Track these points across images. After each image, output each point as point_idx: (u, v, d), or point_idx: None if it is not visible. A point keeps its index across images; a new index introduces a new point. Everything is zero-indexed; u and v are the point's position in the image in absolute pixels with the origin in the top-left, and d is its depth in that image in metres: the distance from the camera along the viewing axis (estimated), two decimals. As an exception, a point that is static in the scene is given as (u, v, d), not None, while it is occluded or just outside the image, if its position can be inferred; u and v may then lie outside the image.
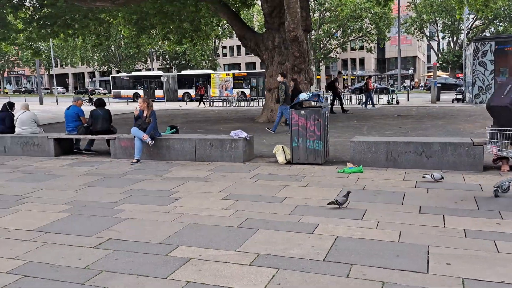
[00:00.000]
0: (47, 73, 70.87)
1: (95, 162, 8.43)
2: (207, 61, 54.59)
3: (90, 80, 77.59)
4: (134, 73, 45.78)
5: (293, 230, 4.22)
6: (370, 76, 22.13)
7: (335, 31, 49.83)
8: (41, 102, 39.22)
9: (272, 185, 6.04)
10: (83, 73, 77.68)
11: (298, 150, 7.41)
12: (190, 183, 6.34)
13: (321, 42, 50.75)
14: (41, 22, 15.20)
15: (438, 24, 52.94)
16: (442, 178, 5.91)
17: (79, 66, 70.06)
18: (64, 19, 15.76)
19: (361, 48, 62.34)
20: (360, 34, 49.59)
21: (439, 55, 53.85)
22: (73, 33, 17.31)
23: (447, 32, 52.92)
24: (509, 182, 5.11)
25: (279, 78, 11.91)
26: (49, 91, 70.31)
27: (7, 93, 67.86)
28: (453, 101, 23.96)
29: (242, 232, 4.22)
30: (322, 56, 51.68)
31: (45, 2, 14.51)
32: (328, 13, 48.15)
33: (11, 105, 10.36)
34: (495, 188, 5.05)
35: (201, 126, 14.75)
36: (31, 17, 14.78)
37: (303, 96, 7.53)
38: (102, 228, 4.47)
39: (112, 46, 55.61)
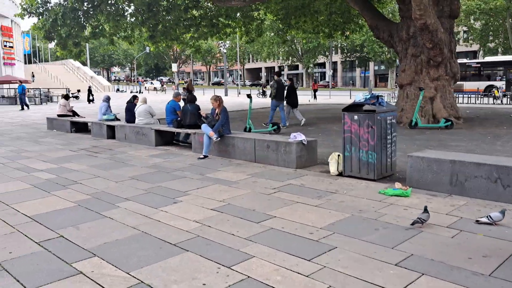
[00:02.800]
0: (242, 67, 78.27)
1: (175, 155, 8.86)
2: (386, 52, 51.58)
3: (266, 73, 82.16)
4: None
5: (216, 259, 3.60)
6: None
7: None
8: (226, 94, 43.39)
9: (282, 200, 5.30)
10: (273, 67, 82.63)
11: (350, 160, 6.31)
12: (213, 187, 6.07)
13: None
14: (187, 23, 16.79)
15: None
16: (503, 217, 4.22)
17: (270, 61, 74.70)
18: (209, 20, 17.05)
19: None
20: None
21: None
22: (218, 32, 18.58)
23: None
24: None
25: (275, 77, 13.11)
26: (241, 83, 77.57)
27: (213, 84, 77.90)
28: None
29: (164, 253, 3.80)
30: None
31: (194, 4, 16.01)
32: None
33: (134, 97, 11.79)
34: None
35: (319, 123, 13.99)
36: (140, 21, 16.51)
37: (358, 97, 6.34)
38: (66, 225, 4.62)
39: (296, 41, 57.43)
